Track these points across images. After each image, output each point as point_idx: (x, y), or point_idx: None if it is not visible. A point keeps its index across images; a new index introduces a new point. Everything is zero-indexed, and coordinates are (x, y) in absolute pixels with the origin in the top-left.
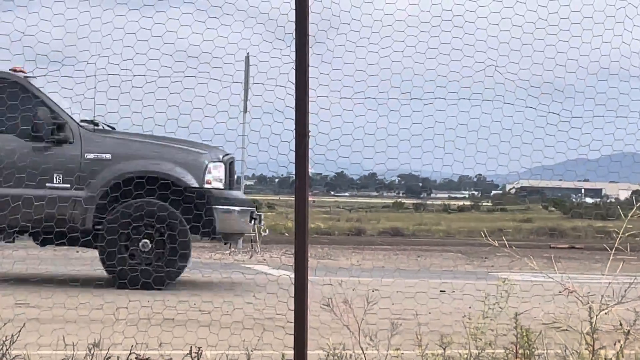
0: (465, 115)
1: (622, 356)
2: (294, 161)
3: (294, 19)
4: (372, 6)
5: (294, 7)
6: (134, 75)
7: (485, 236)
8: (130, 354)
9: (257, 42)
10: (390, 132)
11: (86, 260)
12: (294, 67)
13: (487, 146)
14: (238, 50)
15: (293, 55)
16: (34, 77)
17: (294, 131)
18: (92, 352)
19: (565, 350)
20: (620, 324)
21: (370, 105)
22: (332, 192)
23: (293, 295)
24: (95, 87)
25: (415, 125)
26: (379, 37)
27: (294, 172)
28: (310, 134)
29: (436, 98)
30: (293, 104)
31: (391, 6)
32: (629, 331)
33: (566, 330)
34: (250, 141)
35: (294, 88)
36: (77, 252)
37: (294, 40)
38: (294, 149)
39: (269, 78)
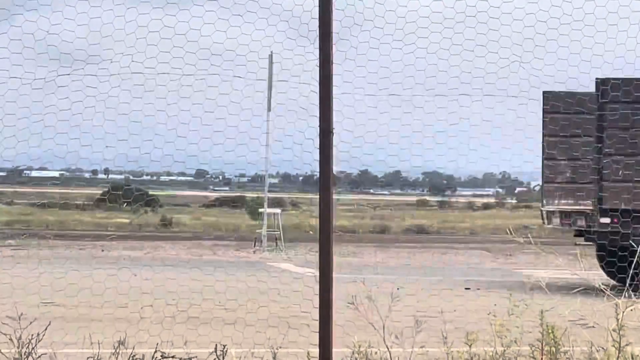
0: (490, 112)
1: None
2: (317, 159)
3: (317, 15)
4: (396, 3)
5: (317, 4)
6: (158, 74)
7: (511, 233)
8: (155, 352)
9: (280, 40)
10: (414, 129)
11: (111, 259)
12: (318, 64)
13: (512, 143)
14: (262, 48)
15: (317, 53)
16: None
17: (318, 128)
18: (117, 350)
19: (591, 347)
20: None
21: (394, 102)
22: (356, 190)
23: (318, 293)
24: (119, 86)
25: (440, 121)
26: (403, 34)
27: (318, 170)
28: (334, 130)
29: (461, 94)
30: (317, 101)
31: (415, 3)
32: None
33: (592, 327)
34: (275, 139)
35: (317, 85)
36: (102, 250)
37: (318, 37)
38: (318, 146)
39: (293, 75)
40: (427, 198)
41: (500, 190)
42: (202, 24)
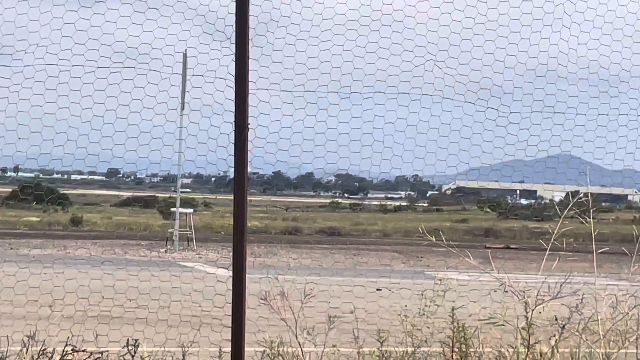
0: (404, 110)
1: (557, 351)
2: (233, 156)
3: (234, 11)
4: (312, 0)
5: None
6: (73, 66)
7: (423, 233)
8: (65, 346)
9: (197, 34)
10: (329, 126)
11: (20, 256)
12: (234, 59)
13: (425, 141)
14: (178, 42)
15: (233, 48)
16: None
17: (234, 123)
18: (27, 346)
19: (501, 346)
20: (556, 319)
21: (310, 98)
22: (269, 192)
23: (230, 290)
24: (32, 77)
25: (355, 119)
26: (320, 31)
27: (231, 171)
28: (249, 126)
29: (376, 92)
30: (232, 97)
31: (331, 0)
32: (564, 326)
33: (502, 325)
34: (190, 133)
35: (233, 80)
36: (11, 248)
37: (234, 32)
38: (233, 141)
39: (209, 70)
40: (339, 200)
41: (412, 193)
42: (118, 17)
